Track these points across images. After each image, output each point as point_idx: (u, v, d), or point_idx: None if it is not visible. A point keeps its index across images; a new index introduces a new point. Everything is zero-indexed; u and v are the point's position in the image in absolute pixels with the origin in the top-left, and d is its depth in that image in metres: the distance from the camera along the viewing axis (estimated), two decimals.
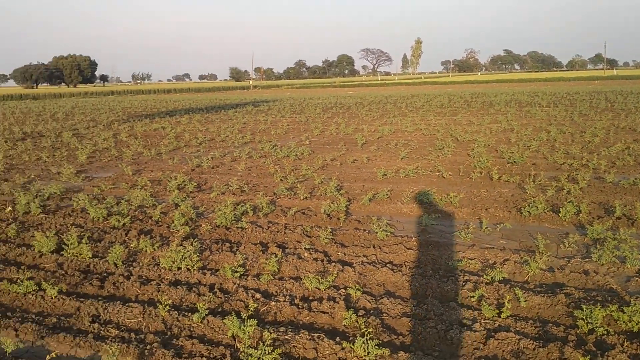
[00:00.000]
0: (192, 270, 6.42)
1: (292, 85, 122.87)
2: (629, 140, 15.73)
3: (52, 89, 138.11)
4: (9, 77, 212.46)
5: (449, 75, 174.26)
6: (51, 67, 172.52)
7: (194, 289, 5.87)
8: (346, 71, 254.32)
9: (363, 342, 4.33)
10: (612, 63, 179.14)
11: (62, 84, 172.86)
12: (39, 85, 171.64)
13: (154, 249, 7.16)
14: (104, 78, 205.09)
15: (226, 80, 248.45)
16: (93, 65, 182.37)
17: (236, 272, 6.19)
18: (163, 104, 50.88)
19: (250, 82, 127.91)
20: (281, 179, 11.83)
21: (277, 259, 6.40)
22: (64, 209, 9.73)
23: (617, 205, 8.19)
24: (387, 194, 9.72)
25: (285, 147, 16.12)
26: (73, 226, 8.53)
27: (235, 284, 5.99)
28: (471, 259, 6.57)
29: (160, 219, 8.88)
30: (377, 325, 4.95)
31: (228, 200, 9.46)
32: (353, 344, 4.39)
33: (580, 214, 8.06)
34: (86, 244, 7.19)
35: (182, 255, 6.51)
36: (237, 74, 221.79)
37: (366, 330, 4.45)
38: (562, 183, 10.24)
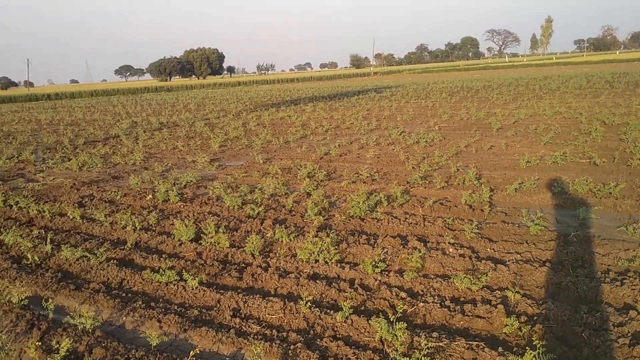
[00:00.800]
0: (330, 263, 6.11)
1: (413, 70, 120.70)
2: None
3: (183, 81, 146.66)
4: (145, 71, 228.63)
5: (583, 55, 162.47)
6: (183, 60, 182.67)
7: (333, 284, 5.56)
8: (470, 54, 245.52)
9: (534, 357, 3.75)
10: None
11: (193, 76, 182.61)
12: (172, 77, 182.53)
13: (290, 240, 6.95)
14: (231, 69, 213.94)
15: (346, 67, 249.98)
16: (221, 57, 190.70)
17: (377, 267, 5.79)
18: (287, 93, 51.80)
19: (371, 69, 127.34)
20: (413, 167, 11.29)
21: (420, 254, 5.91)
22: (200, 197, 9.86)
23: None
24: (534, 184, 8.86)
25: (415, 134, 15.50)
26: (210, 215, 8.59)
27: (376, 280, 5.60)
28: None
29: (293, 208, 8.71)
30: (545, 335, 4.32)
31: (360, 189, 9.11)
32: (522, 358, 3.81)
33: None
34: (223, 233, 7.16)
35: (320, 248, 6.22)
36: (357, 61, 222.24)
37: (538, 343, 3.86)
38: None
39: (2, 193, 10.45)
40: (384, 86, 53.89)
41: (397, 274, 5.70)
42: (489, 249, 6.32)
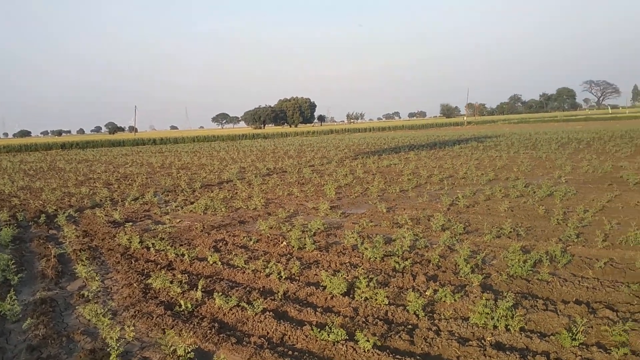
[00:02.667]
0: (512, 331, 5.43)
1: (508, 120, 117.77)
2: None
3: (277, 128, 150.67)
4: (240, 118, 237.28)
5: None
6: (276, 109, 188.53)
7: (528, 357, 4.87)
8: (566, 105, 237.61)
9: None
10: None
11: (285, 124, 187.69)
12: (266, 125, 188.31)
13: (455, 300, 6.33)
14: (321, 118, 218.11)
15: (436, 117, 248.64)
16: (312, 106, 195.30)
17: (574, 339, 5.06)
18: (382, 141, 51.63)
19: (465, 118, 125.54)
20: (558, 222, 10.40)
21: (622, 328, 5.12)
22: (334, 246, 9.47)
23: None
24: None
25: (545, 186, 14.52)
26: (350, 266, 8.15)
27: (577, 355, 4.86)
28: None
29: (440, 263, 8.10)
30: None
31: (509, 245, 8.39)
32: None
33: None
34: (375, 287, 6.67)
35: (500, 313, 5.56)
36: (447, 111, 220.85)
37: None
38: None
39: (137, 235, 10.53)
40: (481, 136, 52.57)
41: (600, 349, 4.94)
42: None
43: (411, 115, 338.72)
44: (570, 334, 5.10)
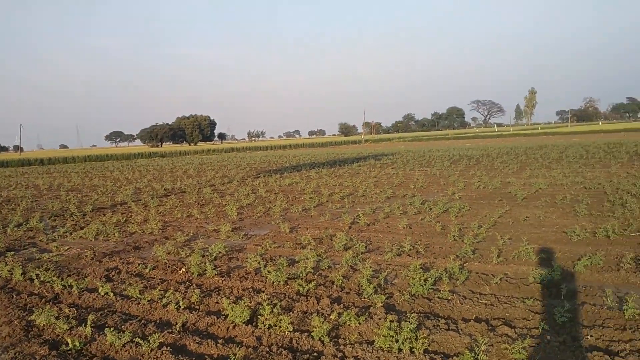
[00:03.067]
0: (417, 353, 5.42)
1: (403, 138, 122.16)
2: None
3: (175, 147, 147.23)
4: (136, 136, 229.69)
5: (567, 126, 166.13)
6: (174, 126, 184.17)
7: None
8: (456, 123, 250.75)
9: None
10: None
11: (184, 142, 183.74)
12: (163, 143, 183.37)
13: (359, 323, 6.25)
14: (222, 136, 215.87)
15: (334, 135, 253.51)
16: (212, 124, 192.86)
17: (477, 359, 5.11)
18: (284, 159, 51.70)
19: (362, 136, 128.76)
20: (454, 239, 10.72)
21: (521, 346, 5.24)
22: (236, 270, 9.17)
23: None
24: (601, 259, 8.29)
25: (441, 203, 15.00)
26: (253, 291, 7.90)
27: None
28: None
29: (344, 284, 8.04)
30: None
31: (410, 263, 8.50)
32: None
33: None
34: (279, 314, 6.47)
35: (404, 335, 5.54)
36: (346, 129, 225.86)
37: None
38: None
39: (20, 265, 9.67)
40: (379, 153, 54.00)
41: None
42: (588, 337, 5.67)
43: (311, 133, 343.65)
44: (473, 354, 5.16)
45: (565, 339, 5.57)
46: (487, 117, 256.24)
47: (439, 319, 6.39)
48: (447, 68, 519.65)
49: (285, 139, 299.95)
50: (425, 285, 7.44)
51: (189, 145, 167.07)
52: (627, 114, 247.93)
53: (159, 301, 7.43)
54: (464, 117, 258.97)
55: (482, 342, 5.35)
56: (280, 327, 6.24)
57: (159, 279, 8.96)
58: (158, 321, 6.91)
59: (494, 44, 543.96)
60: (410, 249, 9.99)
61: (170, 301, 7.27)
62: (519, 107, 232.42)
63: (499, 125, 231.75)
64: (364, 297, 7.34)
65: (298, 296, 7.59)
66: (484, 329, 5.95)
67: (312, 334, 6.02)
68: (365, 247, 10.47)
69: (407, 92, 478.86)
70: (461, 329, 5.98)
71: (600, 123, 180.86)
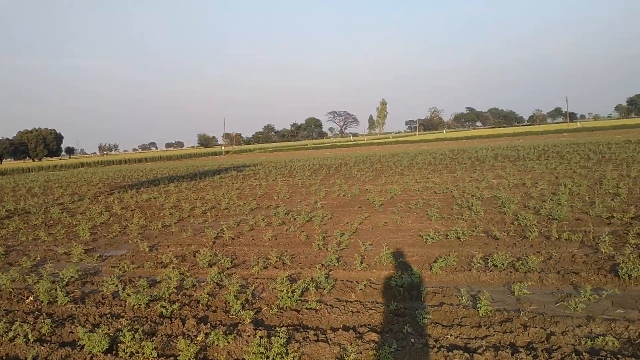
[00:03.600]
0: None
1: (264, 149, 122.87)
2: None
3: (17, 163, 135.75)
4: None
5: (415, 134, 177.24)
6: (15, 141, 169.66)
7: None
8: (314, 134, 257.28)
9: None
10: (572, 116, 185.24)
11: (27, 158, 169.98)
12: (3, 160, 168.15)
13: (228, 342, 6.06)
14: (70, 151, 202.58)
15: (194, 147, 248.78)
16: (59, 138, 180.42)
17: None
18: (140, 173, 49.67)
19: (223, 148, 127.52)
20: (319, 248, 10.87)
21: (390, 349, 5.38)
22: (91, 295, 8.53)
23: None
24: (454, 260, 8.83)
25: (304, 212, 15.18)
26: (112, 317, 7.38)
27: None
28: (602, 335, 5.65)
29: (210, 303, 7.79)
30: None
31: (277, 276, 8.46)
32: None
33: None
34: (142, 339, 6.09)
35: (275, 351, 5.44)
36: (205, 140, 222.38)
37: None
38: (631, 239, 9.53)
39: None
40: (240, 165, 53.72)
41: None
42: (449, 337, 5.96)
43: (168, 145, 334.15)
44: None
45: (428, 340, 5.81)
46: (343, 127, 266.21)
47: (309, 330, 6.39)
48: (305, 80, 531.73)
49: (141, 151, 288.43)
50: (293, 297, 7.43)
51: (33, 161, 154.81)
52: (468, 123, 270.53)
53: (4, 335, 6.68)
54: (321, 128, 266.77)
55: (352, 350, 5.42)
56: (143, 353, 5.87)
57: (4, 309, 8.10)
58: (5, 357, 6.20)
59: (348, 59, 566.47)
60: (276, 261, 9.96)
61: (18, 334, 6.56)
62: (372, 118, 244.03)
63: (354, 135, 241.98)
64: (232, 314, 7.16)
65: (161, 319, 7.22)
66: (352, 337, 6.03)
67: (178, 358, 5.73)
68: (231, 261, 10.27)
69: (267, 103, 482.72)
70: (330, 339, 6.01)
71: (444, 131, 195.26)
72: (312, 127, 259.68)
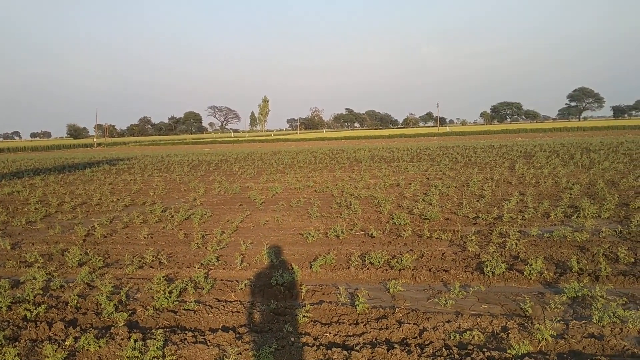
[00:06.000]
0: None
1: (140, 142, 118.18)
2: (514, 192, 16.54)
3: None
4: None
5: (297, 133, 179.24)
6: None
7: None
8: (193, 128, 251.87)
9: None
10: (442, 121, 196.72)
11: None
12: None
13: (100, 346, 5.74)
14: None
15: (62, 137, 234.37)
16: None
17: None
18: (0, 165, 45.81)
19: (95, 139, 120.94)
20: (198, 247, 10.63)
21: (270, 349, 5.37)
22: None
23: (573, 261, 8.21)
24: (334, 259, 9.01)
25: (183, 210, 14.78)
26: None
27: None
28: (469, 330, 6.03)
29: (80, 304, 7.34)
30: None
31: (154, 276, 8.15)
32: None
33: (545, 272, 7.96)
34: (2, 345, 5.61)
35: (150, 354, 5.23)
36: (75, 131, 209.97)
37: None
38: (494, 238, 10.26)
39: None
40: (114, 158, 51.32)
41: None
42: (328, 335, 6.06)
43: (34, 135, 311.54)
44: None
45: (307, 339, 5.87)
46: (224, 123, 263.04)
47: (186, 332, 6.22)
48: (184, 73, 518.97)
49: (2, 141, 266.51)
50: (170, 297, 7.20)
51: None
52: (347, 123, 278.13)
53: None
54: (201, 122, 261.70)
55: (231, 351, 5.34)
56: None
57: None
58: None
59: (231, 53, 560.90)
60: (152, 260, 9.62)
61: None
62: (254, 114, 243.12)
63: (235, 131, 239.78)
64: (104, 317, 6.79)
65: (25, 322, 6.70)
66: (232, 338, 5.95)
67: None
68: (104, 261, 9.77)
69: (143, 95, 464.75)
70: (209, 340, 5.89)
71: (324, 131, 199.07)
72: (191, 122, 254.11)
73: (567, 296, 7.03)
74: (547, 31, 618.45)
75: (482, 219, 12.46)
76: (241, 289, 7.73)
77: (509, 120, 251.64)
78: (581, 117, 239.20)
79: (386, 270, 8.56)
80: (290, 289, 7.69)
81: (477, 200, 15.17)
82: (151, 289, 7.64)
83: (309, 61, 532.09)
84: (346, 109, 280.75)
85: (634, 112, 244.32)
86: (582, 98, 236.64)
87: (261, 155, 46.62)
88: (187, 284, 7.75)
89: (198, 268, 8.88)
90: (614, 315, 6.09)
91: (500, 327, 6.11)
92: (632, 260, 8.52)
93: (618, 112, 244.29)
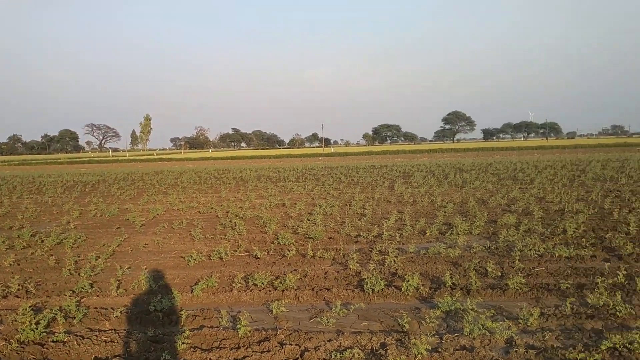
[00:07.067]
0: None
1: (9, 162, 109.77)
2: (393, 210, 17.17)
3: None
4: None
5: (181, 152, 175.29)
6: None
7: None
8: (69, 147, 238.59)
9: None
10: (327, 141, 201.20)
11: None
12: None
13: None
14: None
15: None
16: None
17: None
18: None
19: None
20: (70, 273, 10.00)
21: None
22: None
23: (446, 276, 8.62)
24: (216, 281, 8.82)
25: (54, 234, 13.85)
26: None
27: None
28: (349, 348, 6.13)
29: None
30: None
31: (19, 306, 7.54)
32: None
33: (421, 287, 8.29)
34: None
35: None
36: None
37: None
38: (374, 256, 10.55)
39: None
40: None
41: None
42: None
43: None
44: None
45: None
46: (103, 142, 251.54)
47: None
48: (59, 88, 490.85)
49: None
50: (37, 329, 6.68)
51: None
52: (233, 143, 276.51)
53: None
54: (77, 141, 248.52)
55: None
56: None
57: None
58: None
59: (112, 72, 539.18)
60: (18, 289, 8.92)
61: None
62: (135, 133, 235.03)
63: (115, 150, 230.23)
64: None
65: None
66: None
67: None
68: None
69: (14, 112, 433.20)
70: None
71: (210, 151, 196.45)
72: (66, 140, 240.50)
73: (441, 310, 7.37)
74: (424, 58, 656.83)
75: (364, 237, 12.79)
76: (116, 316, 7.34)
77: (389, 141, 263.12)
78: (455, 139, 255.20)
79: (270, 291, 8.51)
80: (169, 315, 7.41)
81: (359, 219, 15.56)
82: (16, 320, 7.05)
83: (194, 80, 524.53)
84: (233, 128, 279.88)
85: (501, 135, 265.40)
86: (456, 121, 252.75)
87: (142, 175, 44.95)
88: (56, 314, 7.24)
89: (69, 296, 8.31)
90: (483, 327, 6.45)
91: (379, 344, 6.26)
92: (500, 273, 9.09)
93: (488, 134, 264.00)
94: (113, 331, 6.88)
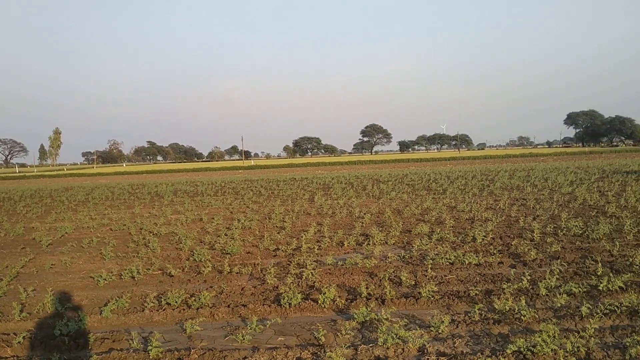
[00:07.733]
0: None
1: None
2: (313, 222, 17.28)
3: None
4: None
5: (93, 167, 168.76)
6: None
7: None
8: None
9: None
10: (247, 154, 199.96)
11: None
12: None
13: None
14: None
15: None
16: None
17: None
18: None
19: None
20: None
21: None
22: None
23: (362, 287, 8.75)
24: (127, 302, 8.51)
25: None
26: None
27: None
28: None
29: None
30: None
31: None
32: None
33: (338, 299, 8.36)
34: None
35: None
36: None
37: None
38: (292, 269, 10.55)
39: None
40: None
41: None
42: None
43: None
44: None
45: None
46: (9, 157, 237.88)
47: None
48: None
49: None
50: None
51: None
52: (149, 157, 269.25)
53: None
54: None
55: None
56: None
57: None
58: None
59: (17, 83, 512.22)
60: None
61: None
62: (44, 148, 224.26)
63: (22, 165, 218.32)
64: None
65: None
66: None
67: None
68: None
69: None
70: None
71: (124, 165, 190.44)
72: None
73: (357, 321, 7.46)
74: (342, 72, 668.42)
75: (282, 250, 12.77)
76: (19, 342, 6.93)
77: (310, 154, 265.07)
78: (373, 151, 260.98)
79: (184, 310, 8.31)
80: (76, 339, 7.07)
81: (278, 232, 15.53)
82: None
83: (107, 91, 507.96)
84: (148, 141, 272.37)
85: (416, 147, 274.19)
86: (373, 134, 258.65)
87: (51, 192, 42.87)
88: None
89: None
90: (396, 336, 6.58)
91: (295, 359, 6.25)
92: (413, 282, 9.33)
93: (403, 146, 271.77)
94: (15, 358, 6.50)
